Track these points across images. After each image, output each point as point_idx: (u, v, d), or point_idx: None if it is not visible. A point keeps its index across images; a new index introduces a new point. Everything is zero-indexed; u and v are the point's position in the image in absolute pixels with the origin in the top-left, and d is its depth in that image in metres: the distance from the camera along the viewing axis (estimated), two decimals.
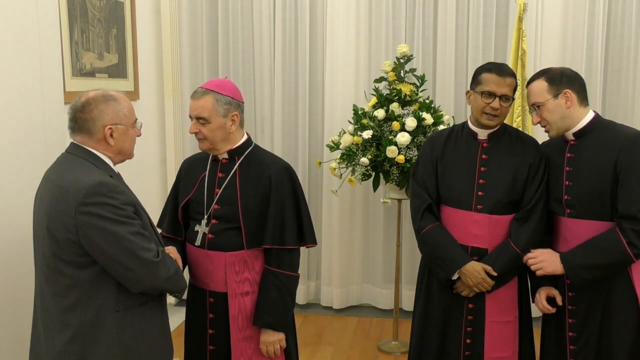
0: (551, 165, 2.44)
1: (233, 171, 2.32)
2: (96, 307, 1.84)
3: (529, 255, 2.37)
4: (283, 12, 4.27)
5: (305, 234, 2.36)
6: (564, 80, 2.30)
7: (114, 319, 1.86)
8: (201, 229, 2.31)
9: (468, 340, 2.52)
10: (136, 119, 2.01)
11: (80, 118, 1.90)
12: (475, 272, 2.43)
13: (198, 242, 2.30)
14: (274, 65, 4.34)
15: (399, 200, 3.84)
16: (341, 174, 3.78)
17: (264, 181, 2.29)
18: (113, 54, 3.45)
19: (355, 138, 3.61)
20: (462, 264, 2.44)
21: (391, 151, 3.49)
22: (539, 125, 2.40)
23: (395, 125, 3.54)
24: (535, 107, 2.35)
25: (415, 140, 3.55)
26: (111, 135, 1.92)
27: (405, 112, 3.63)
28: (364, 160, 3.54)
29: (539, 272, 2.34)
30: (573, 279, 2.29)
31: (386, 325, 4.25)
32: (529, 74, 3.59)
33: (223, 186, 2.31)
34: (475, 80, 2.48)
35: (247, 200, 2.28)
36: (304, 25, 4.27)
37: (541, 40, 4.07)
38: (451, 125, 3.71)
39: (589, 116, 2.34)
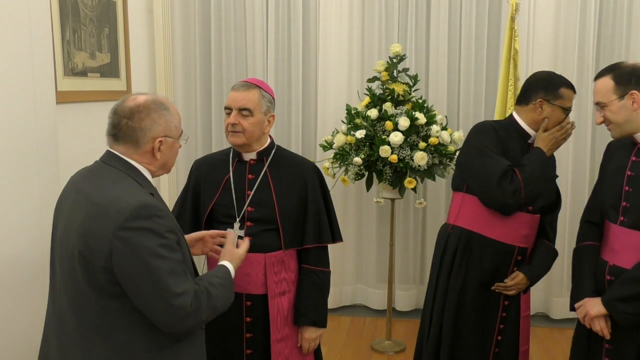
0: (613, 166, 2.28)
1: (263, 172, 2.32)
2: (125, 343, 1.62)
3: (576, 305, 2.28)
4: (276, 12, 4.26)
5: (335, 231, 2.42)
6: (632, 80, 2.13)
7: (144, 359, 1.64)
8: (235, 232, 2.26)
9: (499, 337, 2.56)
10: (182, 131, 1.82)
11: (127, 126, 1.68)
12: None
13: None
14: (267, 64, 4.34)
15: (392, 200, 3.85)
16: (334, 174, 3.78)
17: (299, 182, 2.32)
18: (105, 54, 3.44)
19: (349, 138, 3.61)
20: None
21: (384, 151, 3.49)
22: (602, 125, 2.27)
23: (388, 124, 3.55)
24: (600, 106, 2.20)
25: (408, 139, 3.55)
26: (159, 148, 1.72)
27: (398, 111, 3.63)
28: (357, 159, 3.55)
29: (587, 319, 2.22)
30: (614, 315, 2.14)
31: (379, 325, 4.26)
32: (521, 74, 3.61)
33: (255, 188, 2.30)
34: (555, 93, 2.44)
35: (284, 201, 2.29)
36: (297, 24, 4.27)
37: (533, 40, 4.09)
38: (444, 124, 3.73)
39: None
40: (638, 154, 2.21)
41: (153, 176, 1.77)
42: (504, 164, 2.38)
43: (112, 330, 1.61)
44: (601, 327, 2.18)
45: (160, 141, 1.71)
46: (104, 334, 1.61)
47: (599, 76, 2.23)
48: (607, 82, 2.17)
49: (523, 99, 2.51)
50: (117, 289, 1.58)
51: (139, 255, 1.54)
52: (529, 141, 2.51)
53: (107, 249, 1.55)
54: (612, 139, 2.35)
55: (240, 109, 2.22)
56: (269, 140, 2.36)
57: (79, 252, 1.59)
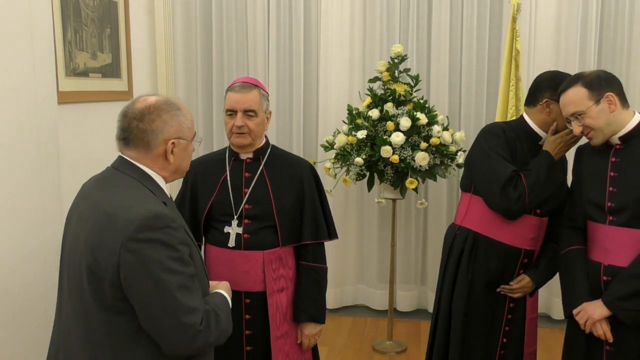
0: (591, 169, 2.27)
1: (260, 170, 2.34)
2: None
3: (575, 311, 2.22)
4: (277, 12, 4.27)
5: (330, 228, 2.44)
6: (602, 83, 2.13)
7: None
8: (233, 230, 2.30)
9: (505, 340, 2.56)
10: (195, 133, 1.74)
11: (138, 128, 1.59)
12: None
13: (232, 244, 2.29)
14: (268, 65, 4.34)
15: (394, 200, 3.85)
16: (336, 174, 3.78)
17: (296, 180, 2.35)
18: (107, 54, 3.44)
19: (350, 138, 3.61)
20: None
21: (385, 151, 3.49)
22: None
23: (390, 125, 3.55)
24: (576, 116, 2.17)
25: (409, 140, 3.55)
26: (172, 151, 1.63)
27: (400, 112, 3.63)
28: (358, 160, 3.54)
29: (589, 323, 2.16)
30: (619, 314, 2.09)
31: (380, 325, 4.26)
32: (523, 74, 3.61)
33: (252, 186, 2.32)
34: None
35: (281, 199, 2.31)
36: (298, 25, 4.27)
37: (535, 41, 4.10)
38: (446, 125, 3.72)
39: (636, 118, 2.16)
40: (617, 155, 2.19)
41: (166, 182, 1.68)
42: (509, 169, 2.36)
43: (120, 347, 1.52)
44: (604, 331, 2.13)
45: (173, 143, 1.63)
46: (111, 350, 1.53)
47: (566, 88, 2.20)
48: (580, 90, 2.15)
49: (531, 100, 2.49)
50: (124, 304, 1.50)
51: (148, 268, 1.45)
52: (540, 142, 2.49)
53: (114, 262, 1.46)
54: (579, 145, 2.38)
55: (246, 111, 2.24)
56: (264, 139, 2.39)
57: (87, 266, 1.50)
